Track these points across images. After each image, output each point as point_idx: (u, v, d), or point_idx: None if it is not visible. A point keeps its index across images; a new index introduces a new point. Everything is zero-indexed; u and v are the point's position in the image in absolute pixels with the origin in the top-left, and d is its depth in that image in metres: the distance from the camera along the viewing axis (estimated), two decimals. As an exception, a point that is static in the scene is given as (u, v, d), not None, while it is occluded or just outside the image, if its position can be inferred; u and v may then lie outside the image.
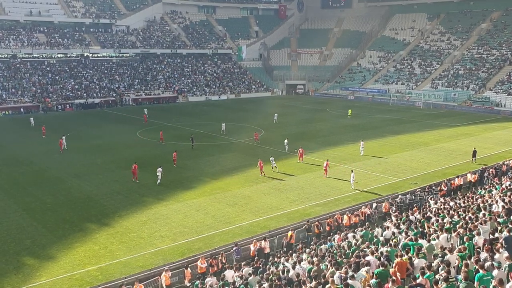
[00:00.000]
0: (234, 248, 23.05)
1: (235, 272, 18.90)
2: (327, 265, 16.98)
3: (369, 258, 15.97)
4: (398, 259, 14.57)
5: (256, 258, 21.89)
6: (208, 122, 65.68)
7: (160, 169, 37.20)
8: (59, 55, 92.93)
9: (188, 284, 20.50)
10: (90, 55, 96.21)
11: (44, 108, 78.96)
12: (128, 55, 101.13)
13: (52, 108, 79.69)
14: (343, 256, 18.38)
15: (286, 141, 48.95)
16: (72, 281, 21.69)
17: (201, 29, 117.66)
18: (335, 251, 19.72)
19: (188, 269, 20.82)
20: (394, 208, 28.34)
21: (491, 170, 36.07)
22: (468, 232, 17.12)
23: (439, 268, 13.50)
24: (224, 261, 21.71)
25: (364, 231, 22.88)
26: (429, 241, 16.96)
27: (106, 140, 52.98)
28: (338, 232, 24.02)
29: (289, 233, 24.89)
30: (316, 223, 26.06)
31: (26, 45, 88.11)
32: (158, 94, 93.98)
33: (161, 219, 29.45)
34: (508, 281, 11.50)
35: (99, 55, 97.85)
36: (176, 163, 41.73)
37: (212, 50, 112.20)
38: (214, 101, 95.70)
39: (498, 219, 18.44)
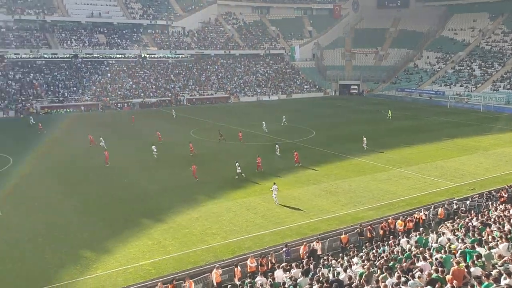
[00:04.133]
0: (284, 249, 22.97)
1: (284, 273, 18.81)
2: (379, 270, 16.56)
3: (423, 264, 15.45)
4: (455, 267, 13.98)
5: (306, 259, 21.70)
6: (258, 122, 65.89)
7: (237, 163, 38.16)
8: (118, 56, 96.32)
9: (238, 283, 20.62)
10: (148, 55, 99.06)
11: (102, 107, 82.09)
12: (183, 56, 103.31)
13: (111, 107, 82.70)
14: (396, 261, 17.86)
15: (365, 139, 48.46)
16: (126, 275, 22.37)
17: (254, 30, 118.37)
18: (387, 256, 19.20)
19: (238, 267, 20.95)
20: (450, 214, 27.26)
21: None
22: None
23: (501, 278, 12.82)
24: (274, 261, 21.69)
25: (418, 236, 22.14)
26: (488, 249, 16.17)
27: (161, 138, 54.20)
28: (392, 237, 23.40)
29: (342, 236, 24.54)
30: (369, 227, 25.52)
31: (87, 46, 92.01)
32: (211, 95, 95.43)
33: (212, 216, 29.84)
34: None
35: (155, 55, 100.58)
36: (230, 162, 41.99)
37: (264, 51, 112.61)
38: (264, 101, 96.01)
39: None
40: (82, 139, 53.72)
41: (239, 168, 38.34)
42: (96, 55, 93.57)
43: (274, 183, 33.02)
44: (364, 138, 49.46)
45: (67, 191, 35.41)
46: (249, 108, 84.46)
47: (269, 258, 21.85)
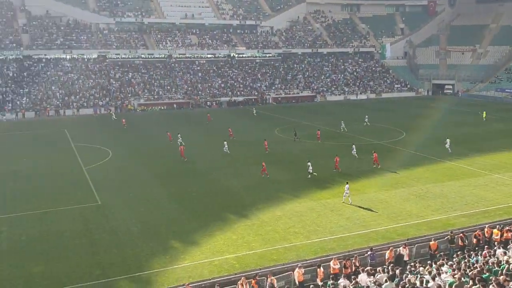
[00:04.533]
0: (369, 253, 22.41)
1: (368, 277, 18.36)
2: (471, 281, 15.58)
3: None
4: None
5: (392, 265, 20.99)
6: (348, 122, 64.74)
7: (309, 163, 38.12)
8: (208, 55, 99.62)
9: (320, 283, 20.46)
10: (236, 55, 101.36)
11: (193, 105, 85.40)
12: (270, 55, 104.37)
13: (200, 105, 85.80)
14: (491, 273, 16.69)
15: (448, 141, 46.30)
16: (212, 267, 23.12)
17: (343, 28, 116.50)
18: (481, 267, 17.99)
19: (321, 268, 20.77)
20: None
21: None
22: None
23: None
24: (357, 264, 21.24)
25: (518, 248, 20.51)
26: None
27: (246, 136, 55.25)
28: (486, 247, 21.90)
29: (431, 242, 23.41)
30: (461, 235, 24.08)
31: (180, 46, 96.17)
32: (297, 93, 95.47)
33: (295, 215, 29.88)
34: None
35: (244, 55, 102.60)
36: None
37: (353, 49, 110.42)
38: (352, 101, 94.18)
39: None
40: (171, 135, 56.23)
41: (310, 167, 38.14)
42: (189, 55, 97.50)
43: (347, 183, 32.47)
44: (448, 140, 46.72)
45: (159, 184, 37.29)
46: (335, 107, 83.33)
47: (353, 261, 21.43)
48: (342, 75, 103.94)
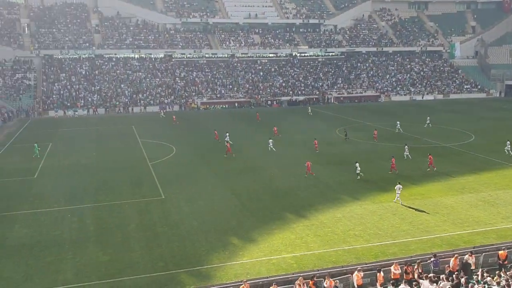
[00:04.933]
0: (432, 259, 21.61)
1: (431, 284, 17.74)
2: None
3: None
4: None
5: (457, 273, 20.14)
6: (410, 123, 62.81)
7: (357, 164, 37.88)
8: (270, 55, 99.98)
9: (379, 288, 20.04)
10: (298, 54, 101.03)
11: (253, 104, 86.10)
12: (333, 54, 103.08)
13: (261, 104, 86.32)
14: None
15: (508, 143, 44.15)
16: (270, 265, 23.23)
17: (410, 26, 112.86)
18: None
19: (381, 272, 20.31)
20: None
21: None
22: None
23: None
24: (420, 270, 20.55)
25: None
26: None
27: (306, 136, 54.97)
28: None
29: (501, 252, 22.20)
30: (534, 245, 22.65)
31: (243, 46, 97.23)
32: (360, 93, 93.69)
33: (355, 218, 29.38)
34: None
35: (306, 54, 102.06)
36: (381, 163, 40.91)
37: (420, 48, 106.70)
38: (418, 101, 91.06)
39: None
40: (237, 133, 57.07)
41: (358, 168, 37.66)
42: (251, 55, 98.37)
43: (399, 183, 32.07)
44: (508, 142, 44.01)
45: (220, 181, 37.95)
46: (400, 108, 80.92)
47: (415, 267, 20.76)
48: (408, 75, 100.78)
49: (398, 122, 58.42)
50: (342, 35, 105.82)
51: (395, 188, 31.97)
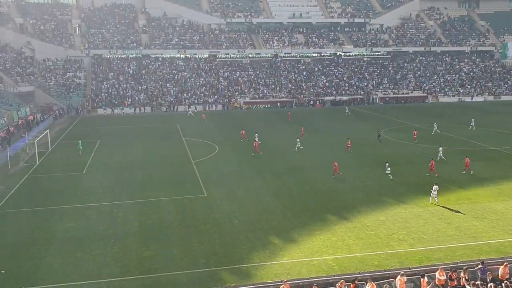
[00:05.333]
0: (479, 266, 20.82)
1: (478, 292, 17.10)
2: None
3: None
4: None
5: (506, 281, 19.33)
6: (457, 125, 60.84)
7: (387, 164, 37.65)
8: (314, 54, 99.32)
9: (423, 294, 19.50)
10: (343, 54, 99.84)
11: (296, 104, 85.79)
12: (379, 53, 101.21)
13: (304, 104, 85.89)
14: None
15: None
16: (310, 266, 23.08)
17: (459, 25, 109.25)
18: None
19: (425, 278, 19.75)
20: None
21: None
22: None
23: None
24: (466, 277, 19.86)
25: None
26: None
27: (350, 137, 54.17)
28: None
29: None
30: None
31: (287, 45, 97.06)
32: (406, 94, 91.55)
33: (399, 221, 28.74)
34: None
35: (351, 54, 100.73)
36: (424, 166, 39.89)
37: (470, 47, 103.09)
38: (467, 103, 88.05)
39: None
40: (277, 132, 57.09)
41: (388, 168, 37.48)
42: (294, 54, 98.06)
43: (435, 183, 31.74)
44: None
45: (261, 180, 38.02)
46: (447, 109, 78.49)
47: (461, 273, 20.07)
48: (457, 75, 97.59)
49: (435, 124, 57.25)
50: (388, 35, 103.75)
51: (432, 188, 31.61)
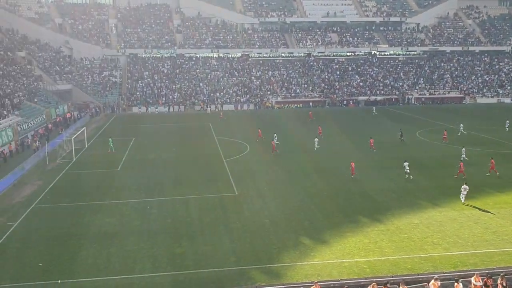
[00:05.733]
0: (518, 273, 20.15)
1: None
2: None
3: None
4: None
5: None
6: (495, 127, 58.98)
7: (406, 163, 37.43)
8: (348, 54, 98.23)
9: (457, 299, 19.00)
10: (377, 53, 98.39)
11: (329, 103, 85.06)
12: (415, 53, 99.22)
13: (337, 104, 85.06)
14: None
15: None
16: (341, 268, 22.83)
17: (500, 24, 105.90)
18: None
19: (459, 283, 19.22)
20: None
21: None
22: None
23: None
24: (504, 284, 19.22)
25: None
26: None
27: (384, 138, 53.41)
28: None
29: None
30: None
31: (320, 44, 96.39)
32: (443, 94, 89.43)
33: (434, 225, 28.08)
34: None
35: (386, 53, 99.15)
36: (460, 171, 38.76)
37: (511, 47, 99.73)
38: (506, 104, 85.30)
39: None
40: (307, 132, 56.84)
41: (407, 168, 37.25)
42: (328, 54, 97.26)
43: (465, 183, 31.45)
44: None
45: (292, 180, 37.90)
46: (485, 110, 76.27)
47: (499, 280, 19.45)
48: (496, 76, 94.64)
49: (461, 125, 56.20)
50: (425, 34, 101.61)
51: (462, 188, 31.57)
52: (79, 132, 52.73)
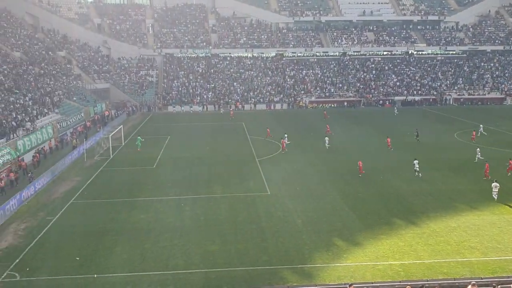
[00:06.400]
0: (561, 281, 19.32)
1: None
2: None
3: None
4: None
5: None
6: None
7: (416, 161, 37.94)
8: (384, 53, 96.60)
9: (496, 307, 18.39)
10: (415, 52, 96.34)
11: (364, 103, 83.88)
12: (454, 52, 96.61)
13: (372, 103, 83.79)
14: None
15: None
16: (375, 271, 22.48)
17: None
18: None
19: (499, 289, 18.63)
20: None
21: None
22: None
23: None
24: (546, 292, 18.48)
25: None
26: None
27: (421, 139, 52.30)
28: None
29: None
30: None
31: (356, 43, 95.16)
32: (482, 95, 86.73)
33: (472, 228, 27.29)
34: None
35: (423, 52, 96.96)
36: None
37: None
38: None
39: None
40: (343, 132, 56.21)
41: (417, 166, 38.07)
42: (363, 53, 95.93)
43: (495, 180, 32.28)
44: None
45: (325, 180, 37.57)
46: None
47: (541, 288, 18.71)
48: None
49: (481, 125, 55.71)
50: (464, 33, 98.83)
51: (492, 185, 32.09)
52: (116, 130, 53.92)
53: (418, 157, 40.49)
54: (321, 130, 58.48)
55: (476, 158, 42.14)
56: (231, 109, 77.15)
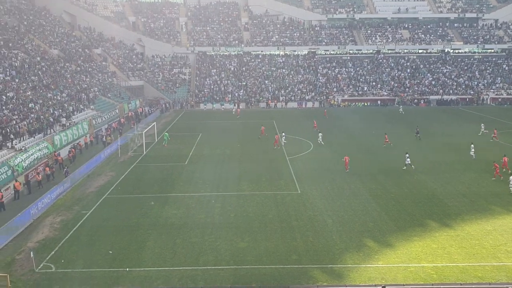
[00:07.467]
0: None
1: None
2: None
3: None
4: None
5: None
6: None
7: (407, 155, 39.40)
8: (419, 51, 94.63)
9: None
10: (451, 50, 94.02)
11: (398, 102, 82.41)
12: (492, 50, 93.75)
13: (407, 102, 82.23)
14: None
15: None
16: (407, 273, 22.09)
17: None
18: None
19: (537, 297, 18.03)
20: None
21: None
22: None
23: None
24: None
25: None
26: None
27: (457, 139, 51.07)
28: None
29: None
30: None
31: (390, 41, 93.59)
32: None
33: (509, 232, 26.47)
34: None
35: (460, 50, 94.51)
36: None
37: None
38: None
39: None
40: (371, 132, 55.47)
41: (408, 159, 39.32)
42: (398, 51, 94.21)
43: None
44: None
45: (357, 180, 37.10)
46: None
47: None
48: None
49: (482, 124, 55.75)
50: (503, 30, 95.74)
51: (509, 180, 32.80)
52: (150, 126, 54.80)
53: (453, 158, 39.51)
54: (352, 129, 57.85)
55: (472, 155, 43.03)
56: (237, 108, 76.57)
